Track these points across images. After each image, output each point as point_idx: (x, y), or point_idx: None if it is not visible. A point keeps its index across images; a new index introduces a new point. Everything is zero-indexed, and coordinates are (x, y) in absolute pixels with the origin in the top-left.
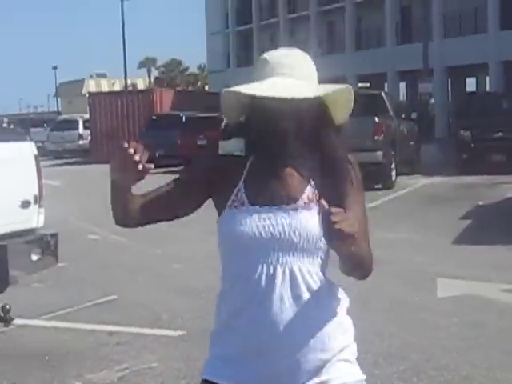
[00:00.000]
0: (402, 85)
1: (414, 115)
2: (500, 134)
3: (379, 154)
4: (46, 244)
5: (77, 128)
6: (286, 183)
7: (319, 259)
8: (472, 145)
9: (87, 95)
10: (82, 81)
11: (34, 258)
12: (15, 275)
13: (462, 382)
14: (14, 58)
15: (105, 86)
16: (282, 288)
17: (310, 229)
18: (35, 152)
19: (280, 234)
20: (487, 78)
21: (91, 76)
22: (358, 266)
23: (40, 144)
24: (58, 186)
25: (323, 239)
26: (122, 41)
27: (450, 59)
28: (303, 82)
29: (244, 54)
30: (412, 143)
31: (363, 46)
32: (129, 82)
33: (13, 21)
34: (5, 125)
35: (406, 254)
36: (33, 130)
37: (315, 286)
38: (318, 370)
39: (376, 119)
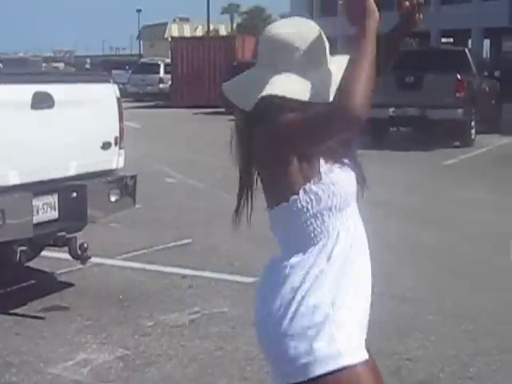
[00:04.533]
0: (486, 42)
1: (497, 73)
2: None
3: (460, 111)
4: (125, 186)
5: (158, 72)
6: None
7: None
8: None
9: (169, 39)
10: (165, 24)
11: (113, 198)
12: (93, 215)
13: None
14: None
15: (187, 31)
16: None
17: None
18: (118, 94)
19: None
20: None
21: (174, 20)
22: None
23: (121, 86)
24: (137, 129)
25: None
26: None
27: None
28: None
29: (328, 3)
30: (494, 102)
31: (448, 0)
32: (211, 27)
33: None
34: (87, 65)
35: (479, 214)
36: (114, 72)
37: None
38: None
39: (458, 76)
